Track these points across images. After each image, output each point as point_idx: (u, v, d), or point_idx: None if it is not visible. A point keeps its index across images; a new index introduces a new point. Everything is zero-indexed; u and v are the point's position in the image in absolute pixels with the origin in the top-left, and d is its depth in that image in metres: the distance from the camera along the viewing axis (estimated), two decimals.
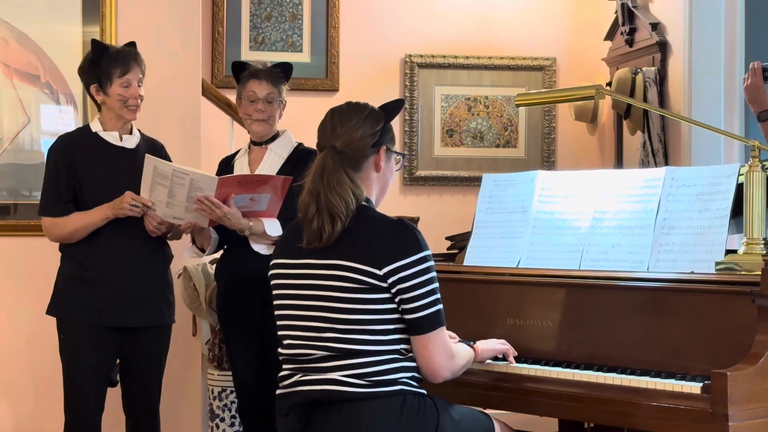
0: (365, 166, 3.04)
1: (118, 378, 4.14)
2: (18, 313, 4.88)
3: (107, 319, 3.99)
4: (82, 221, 4.00)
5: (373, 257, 2.90)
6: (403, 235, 2.93)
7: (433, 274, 2.95)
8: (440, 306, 2.96)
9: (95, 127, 4.10)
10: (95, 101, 4.10)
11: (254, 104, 4.21)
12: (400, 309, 2.93)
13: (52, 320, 4.08)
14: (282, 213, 4.04)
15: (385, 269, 2.89)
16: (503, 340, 3.40)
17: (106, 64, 4.01)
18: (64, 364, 4.05)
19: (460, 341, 3.21)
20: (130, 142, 4.10)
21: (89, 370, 4.00)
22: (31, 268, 4.86)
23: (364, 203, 3.00)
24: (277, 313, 3.06)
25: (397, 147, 3.20)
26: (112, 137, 4.08)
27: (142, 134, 4.17)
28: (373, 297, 2.90)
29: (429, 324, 2.94)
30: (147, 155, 3.95)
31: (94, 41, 4.14)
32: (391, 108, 3.11)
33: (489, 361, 3.38)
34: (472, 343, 3.26)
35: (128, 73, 4.01)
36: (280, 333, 3.05)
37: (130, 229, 3.99)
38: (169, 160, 4.18)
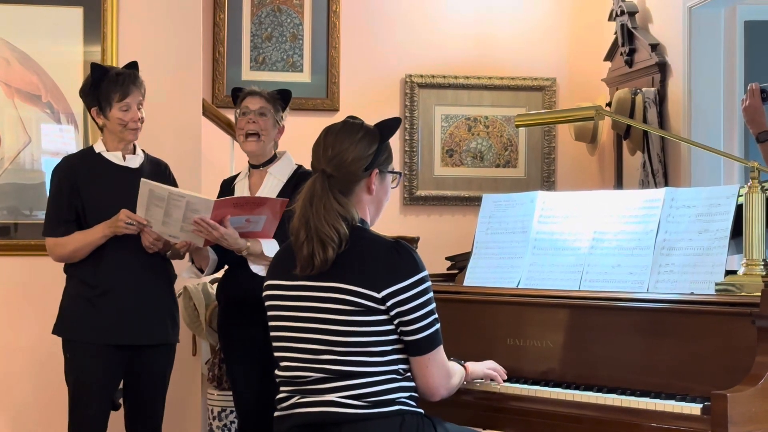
0: (357, 190, 3.00)
1: (120, 401, 4.14)
2: (19, 333, 4.88)
3: (112, 338, 3.99)
4: (82, 240, 4.01)
5: (371, 280, 2.88)
6: (400, 257, 2.91)
7: (431, 294, 2.95)
8: (438, 326, 2.96)
9: (98, 147, 4.12)
10: (97, 123, 4.12)
11: (246, 116, 4.21)
12: (398, 331, 2.92)
13: (53, 340, 4.08)
14: (280, 234, 4.04)
15: (384, 292, 2.88)
16: (496, 365, 3.39)
17: (105, 88, 4.02)
18: (69, 384, 4.05)
19: (450, 360, 3.21)
20: (134, 161, 4.12)
21: (95, 389, 4.00)
22: (32, 287, 4.86)
23: (358, 224, 2.97)
24: (272, 334, 3.05)
25: (396, 166, 3.17)
26: (115, 157, 4.09)
27: (146, 154, 4.18)
28: (371, 319, 2.89)
29: (428, 345, 2.94)
30: (143, 179, 3.95)
31: (93, 65, 4.15)
32: (387, 127, 3.06)
33: (488, 381, 3.38)
34: (462, 362, 3.27)
35: (128, 96, 4.02)
36: (276, 354, 3.04)
37: (134, 248, 4.00)
38: (174, 180, 4.20)
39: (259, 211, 3.97)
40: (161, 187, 3.92)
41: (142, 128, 4.11)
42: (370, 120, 3.13)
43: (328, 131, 3.04)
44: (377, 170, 3.02)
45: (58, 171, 4.12)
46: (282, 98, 4.28)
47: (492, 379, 3.36)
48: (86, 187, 4.05)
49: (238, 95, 4.30)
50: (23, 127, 4.94)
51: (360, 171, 2.99)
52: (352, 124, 3.05)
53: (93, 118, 4.11)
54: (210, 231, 3.92)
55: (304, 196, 2.97)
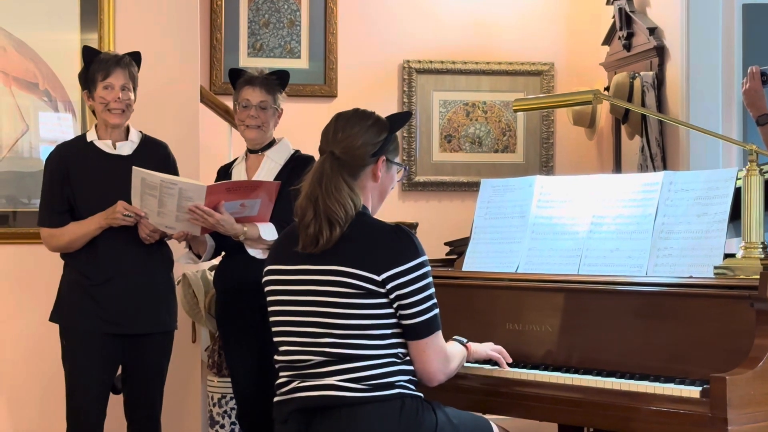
0: (363, 175, 3.03)
1: (121, 385, 4.14)
2: (18, 321, 4.88)
3: (109, 326, 3.99)
4: (77, 231, 4.00)
5: (371, 263, 2.90)
6: (401, 241, 2.93)
7: (430, 279, 2.96)
8: (437, 310, 2.97)
9: (90, 136, 4.10)
10: (90, 108, 4.12)
11: (247, 110, 4.22)
12: (397, 314, 2.93)
13: (54, 327, 4.08)
14: (277, 217, 4.05)
15: (384, 275, 2.89)
16: (500, 347, 3.40)
17: (92, 69, 4.02)
18: (66, 371, 4.05)
19: (453, 339, 3.22)
20: (125, 149, 4.09)
21: (91, 377, 4.00)
22: (30, 275, 4.86)
23: (360, 210, 2.99)
24: (272, 319, 3.06)
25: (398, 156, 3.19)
26: (105, 145, 4.07)
27: (144, 136, 4.16)
28: (371, 302, 2.90)
29: (426, 329, 2.95)
30: (134, 168, 3.94)
31: (85, 48, 4.15)
32: (397, 119, 3.11)
33: (487, 366, 3.38)
34: (465, 341, 3.27)
35: (110, 76, 3.99)
36: (276, 339, 3.05)
37: (131, 236, 4.00)
38: (174, 161, 4.19)
39: (254, 195, 3.97)
40: (153, 175, 3.91)
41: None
42: (368, 105, 3.15)
43: (339, 116, 3.07)
44: (384, 158, 3.05)
45: (50, 160, 4.11)
46: (280, 81, 4.28)
47: (497, 363, 3.37)
48: (77, 176, 4.03)
49: (236, 77, 4.29)
50: (20, 115, 4.93)
51: (368, 156, 3.02)
52: (363, 111, 3.09)
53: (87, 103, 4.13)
54: (205, 218, 3.92)
55: (313, 176, 2.99)
